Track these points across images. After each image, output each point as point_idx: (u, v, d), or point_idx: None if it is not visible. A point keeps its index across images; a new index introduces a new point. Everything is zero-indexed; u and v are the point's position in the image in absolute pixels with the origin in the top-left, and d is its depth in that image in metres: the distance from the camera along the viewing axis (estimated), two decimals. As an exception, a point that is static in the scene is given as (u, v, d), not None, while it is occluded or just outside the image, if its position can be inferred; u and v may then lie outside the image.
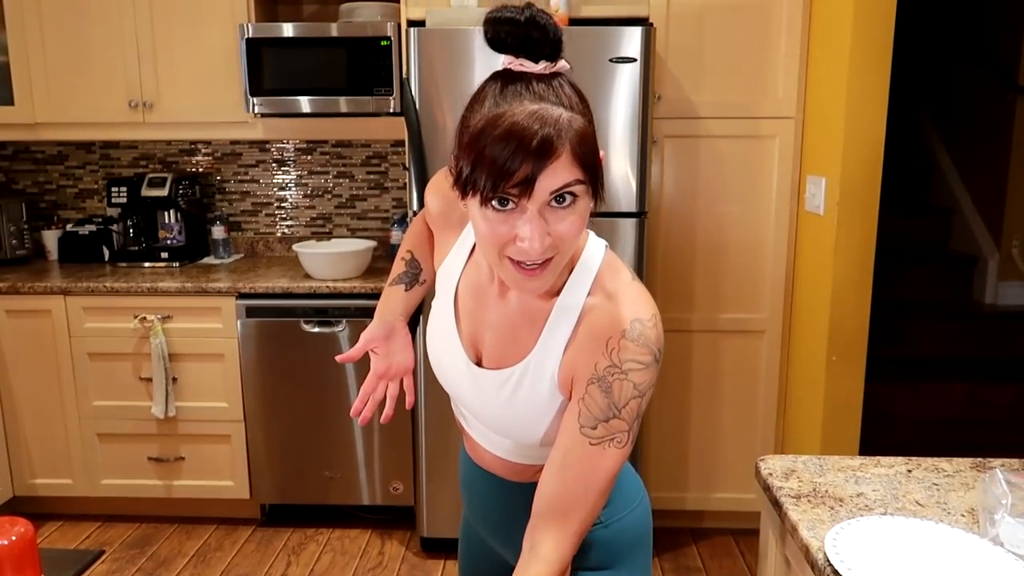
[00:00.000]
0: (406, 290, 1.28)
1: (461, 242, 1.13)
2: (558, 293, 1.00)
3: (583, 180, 0.88)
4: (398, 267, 1.29)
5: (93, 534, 2.86)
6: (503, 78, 0.90)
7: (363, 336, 1.23)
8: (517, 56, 0.90)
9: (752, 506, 2.78)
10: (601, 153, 0.93)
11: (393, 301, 1.27)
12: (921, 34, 4.03)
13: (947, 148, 4.04)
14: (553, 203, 0.88)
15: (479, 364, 1.08)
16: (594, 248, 1.03)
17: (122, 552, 2.73)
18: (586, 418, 0.94)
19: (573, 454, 0.94)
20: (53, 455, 2.88)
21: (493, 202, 0.87)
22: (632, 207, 2.47)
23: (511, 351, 1.04)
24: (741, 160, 2.64)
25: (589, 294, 0.99)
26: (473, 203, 0.90)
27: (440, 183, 1.19)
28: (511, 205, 0.87)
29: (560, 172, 0.86)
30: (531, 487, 1.01)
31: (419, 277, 1.29)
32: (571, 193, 0.88)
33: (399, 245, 1.38)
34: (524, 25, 0.88)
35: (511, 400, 1.03)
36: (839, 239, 2.39)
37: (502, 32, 0.89)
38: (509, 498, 1.15)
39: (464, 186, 0.89)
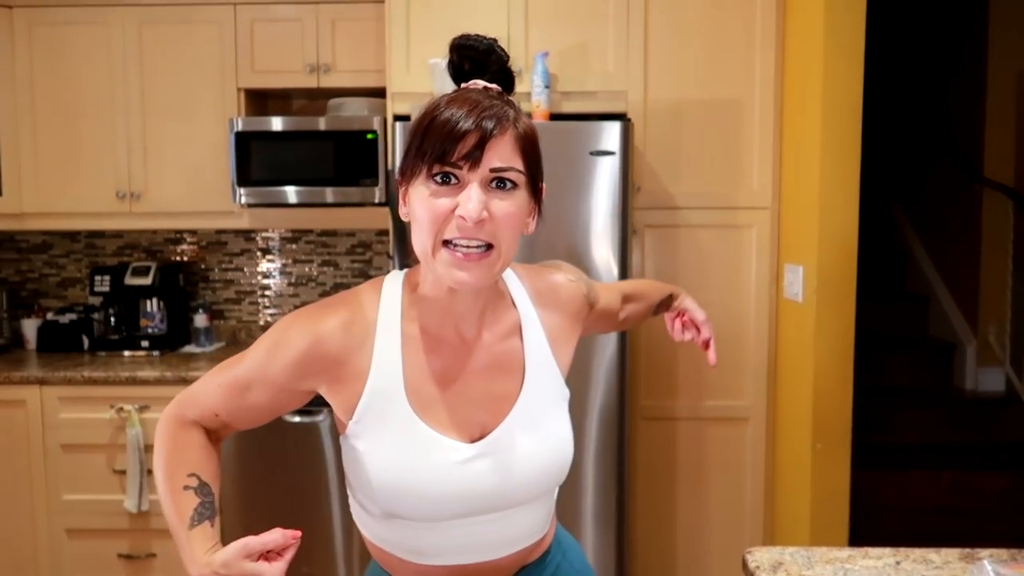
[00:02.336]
0: (211, 526, 0.98)
1: (381, 345, 0.98)
2: (512, 304, 1.07)
3: (524, 172, 0.94)
4: (188, 502, 0.97)
5: (56, 637, 2.72)
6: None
7: (206, 573, 0.92)
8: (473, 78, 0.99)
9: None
10: (543, 185, 1.00)
11: (204, 540, 0.95)
12: (890, 129, 4.20)
13: (920, 237, 4.15)
14: (494, 185, 0.92)
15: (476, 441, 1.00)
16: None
17: (85, 657, 2.60)
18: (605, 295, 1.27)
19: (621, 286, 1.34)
20: (19, 553, 2.76)
21: (436, 177, 0.91)
22: (614, 295, 2.50)
23: (502, 395, 1.02)
24: (720, 249, 2.69)
25: (523, 284, 1.09)
26: (415, 187, 0.93)
27: (317, 334, 0.98)
28: (454, 181, 0.91)
29: (506, 151, 0.92)
30: None
31: (214, 505, 1.00)
32: (512, 181, 0.93)
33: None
34: (483, 52, 0.98)
35: (533, 434, 1.01)
36: (819, 326, 2.41)
37: (463, 57, 0.98)
38: None
39: (410, 165, 0.93)
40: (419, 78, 2.63)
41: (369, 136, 2.79)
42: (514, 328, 1.05)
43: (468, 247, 0.91)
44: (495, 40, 1.00)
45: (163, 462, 1.01)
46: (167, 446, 1.02)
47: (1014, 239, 3.57)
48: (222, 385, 1.02)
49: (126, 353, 3.03)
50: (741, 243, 2.69)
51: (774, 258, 2.68)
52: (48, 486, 2.74)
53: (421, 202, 0.93)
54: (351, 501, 1.08)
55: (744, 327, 2.70)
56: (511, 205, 0.93)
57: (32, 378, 2.72)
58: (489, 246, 0.92)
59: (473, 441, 0.99)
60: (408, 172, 0.95)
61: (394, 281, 1.04)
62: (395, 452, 0.96)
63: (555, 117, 2.61)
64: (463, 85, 0.99)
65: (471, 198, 0.90)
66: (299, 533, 0.93)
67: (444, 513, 0.98)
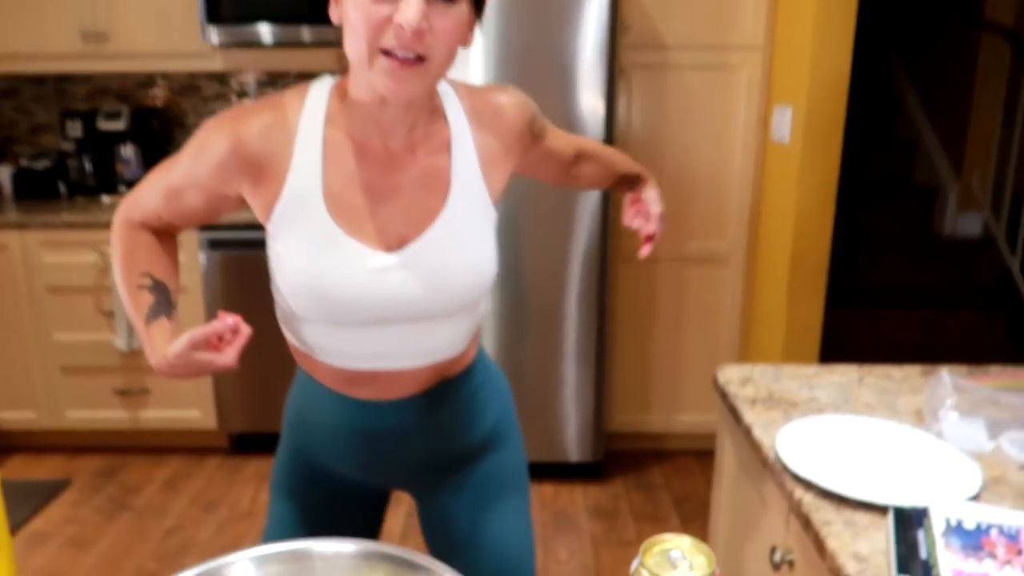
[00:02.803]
0: (169, 320, 1.00)
1: (300, 148, 0.97)
2: (445, 122, 1.03)
3: None
4: (143, 300, 1.01)
5: (59, 466, 2.86)
6: None
7: (166, 361, 0.94)
8: None
9: (714, 428, 2.86)
10: None
11: (161, 336, 0.97)
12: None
13: (913, 84, 4.07)
14: None
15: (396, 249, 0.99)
16: None
17: (89, 481, 2.74)
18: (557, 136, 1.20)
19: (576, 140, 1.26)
20: (15, 389, 2.85)
21: None
22: (599, 136, 2.46)
23: (426, 208, 1.00)
24: (709, 90, 2.63)
25: (460, 101, 1.05)
26: None
27: (236, 136, 0.97)
28: None
29: None
30: (444, 394, 1.08)
31: (172, 299, 1.03)
32: None
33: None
34: None
35: (452, 251, 1.00)
36: (804, 167, 2.41)
37: None
38: (428, 425, 1.09)
39: None
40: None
41: (344, -33, 2.64)
42: (443, 144, 1.02)
43: (405, 56, 0.87)
44: None
45: (118, 265, 1.05)
46: (120, 250, 1.05)
47: (1007, 82, 3.50)
48: (159, 189, 1.04)
49: (104, 198, 2.99)
50: (731, 85, 2.63)
51: (763, 101, 2.63)
52: (38, 326, 2.78)
53: (356, 6, 0.87)
54: (276, 305, 1.08)
55: (729, 170, 2.69)
56: (452, 16, 0.88)
57: (11, 222, 2.70)
58: (422, 59, 0.88)
59: (390, 251, 0.98)
60: None
61: (321, 86, 1.00)
62: (309, 255, 0.96)
63: (540, -55, 2.46)
64: None
65: (411, 5, 0.85)
66: (238, 318, 0.94)
67: (356, 318, 0.98)
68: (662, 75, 2.63)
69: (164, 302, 1.01)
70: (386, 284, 0.97)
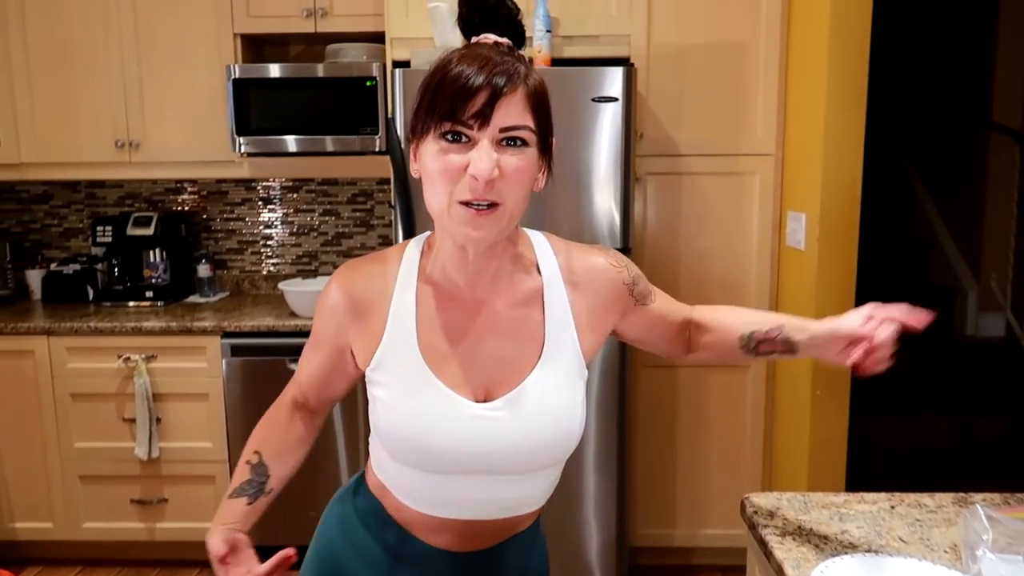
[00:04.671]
0: (248, 503, 1.07)
1: (398, 298, 1.03)
2: (537, 271, 1.06)
3: (535, 130, 0.94)
4: (241, 474, 1.10)
5: (73, 579, 2.81)
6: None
7: (210, 551, 1.04)
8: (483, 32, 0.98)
9: (741, 542, 2.76)
10: (553, 139, 1.01)
11: (231, 514, 1.06)
12: (899, 79, 4.12)
13: (925, 185, 4.12)
14: (504, 143, 0.92)
15: (484, 400, 1.01)
16: (530, 231, 1.12)
17: (103, 597, 2.69)
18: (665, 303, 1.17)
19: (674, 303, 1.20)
20: (34, 498, 2.83)
21: (447, 135, 0.91)
22: (616, 242, 2.49)
23: (519, 359, 1.02)
24: (722, 196, 2.68)
25: (556, 257, 1.08)
26: (426, 145, 0.94)
27: (343, 284, 1.06)
28: (464, 140, 0.91)
29: (516, 109, 0.92)
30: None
31: (265, 486, 1.09)
32: (522, 139, 0.93)
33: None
34: (493, 5, 0.98)
35: (543, 409, 1.00)
36: (820, 274, 2.41)
37: (472, 11, 0.98)
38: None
39: (421, 122, 0.94)
40: (418, 23, 2.58)
41: (368, 83, 2.75)
42: (534, 295, 1.04)
43: (481, 205, 0.92)
44: None
45: (250, 439, 1.14)
46: (261, 422, 1.15)
47: (1019, 184, 3.54)
48: (302, 360, 1.14)
49: (131, 303, 3.05)
50: (744, 190, 2.67)
51: (777, 205, 2.67)
52: (59, 434, 2.79)
53: (433, 159, 0.93)
54: (371, 443, 1.12)
55: (746, 275, 2.70)
56: (521, 161, 0.93)
57: (39, 328, 2.74)
58: (494, 204, 0.92)
59: (479, 400, 1.00)
60: (419, 129, 0.95)
61: (416, 243, 1.08)
62: (406, 402, 1.00)
63: (557, 62, 2.57)
64: (473, 39, 0.99)
65: (482, 157, 0.90)
66: (292, 551, 1.03)
67: (444, 466, 1.00)
68: (676, 181, 2.69)
69: (256, 484, 1.09)
70: (476, 434, 0.99)
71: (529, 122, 0.94)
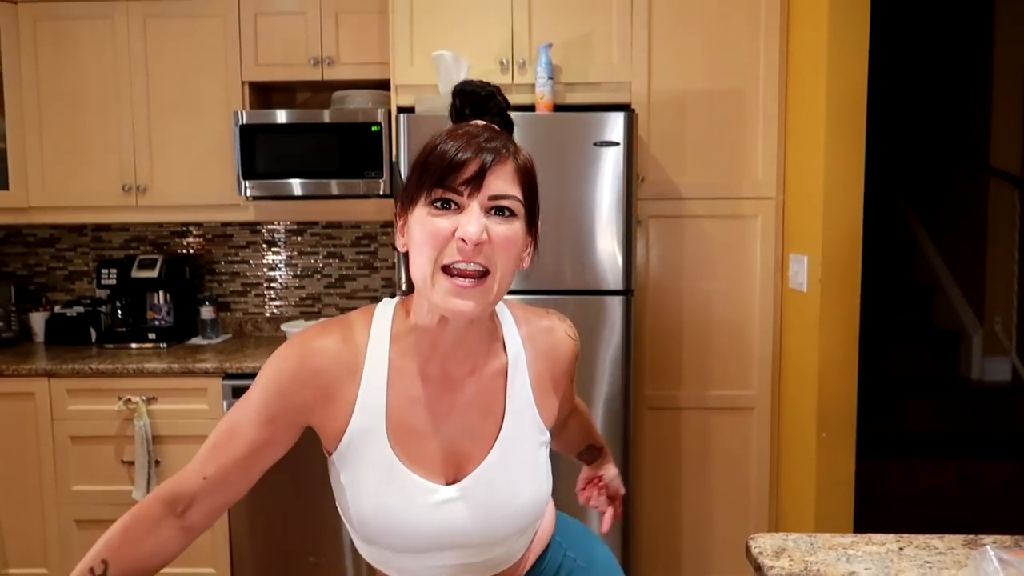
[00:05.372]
0: None
1: (368, 375, 0.98)
2: (503, 348, 1.05)
3: (523, 202, 0.95)
4: None
5: (66, 627, 2.75)
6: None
7: None
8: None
9: (748, 589, 2.72)
10: (539, 223, 1.01)
11: None
12: (896, 122, 4.18)
13: (926, 228, 4.14)
14: (493, 212, 0.92)
15: (453, 482, 1.01)
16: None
17: (96, 646, 2.62)
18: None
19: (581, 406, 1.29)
20: (29, 543, 2.79)
21: (437, 203, 0.92)
22: (619, 285, 2.50)
23: (481, 437, 1.02)
24: (724, 239, 2.69)
25: (519, 329, 1.07)
26: (414, 214, 0.94)
27: (307, 353, 0.99)
28: (454, 207, 0.92)
29: (506, 179, 0.93)
30: None
31: None
32: (511, 210, 0.94)
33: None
34: (484, 98, 0.99)
35: (507, 483, 1.01)
36: (824, 315, 2.41)
37: (465, 103, 1.00)
38: None
39: (411, 194, 0.94)
40: (423, 70, 2.63)
41: (374, 128, 2.80)
42: (501, 370, 1.05)
43: (466, 269, 0.91)
44: (497, 88, 1.02)
45: (106, 534, 0.99)
46: (121, 521, 0.99)
47: (1020, 228, 3.56)
48: (210, 443, 1.00)
49: (133, 345, 3.05)
50: (745, 233, 2.69)
51: (778, 248, 2.68)
52: (57, 477, 2.76)
53: (420, 225, 0.93)
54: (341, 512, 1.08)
55: (749, 317, 2.70)
56: (510, 231, 0.94)
57: (40, 370, 2.74)
58: (486, 272, 0.92)
59: (449, 481, 1.00)
60: (408, 201, 0.96)
61: (386, 309, 1.04)
62: (373, 489, 0.98)
63: (559, 108, 2.61)
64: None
65: (471, 220, 0.90)
66: None
67: (420, 547, 1.00)
68: (678, 224, 2.71)
69: None
70: (446, 517, 0.98)
71: (518, 193, 0.95)
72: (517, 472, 1.02)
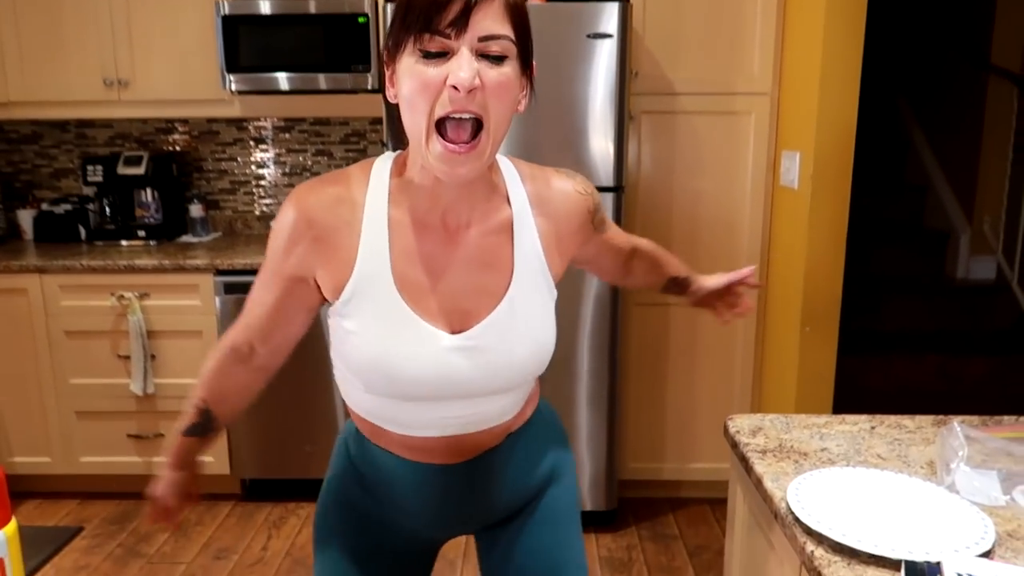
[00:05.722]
0: (199, 442, 1.19)
1: (368, 227, 0.99)
2: (507, 201, 1.04)
3: (515, 42, 0.91)
4: (189, 416, 1.16)
5: (72, 511, 2.86)
6: None
7: (157, 489, 1.20)
8: None
9: (727, 475, 2.83)
10: (535, 63, 0.98)
11: (184, 450, 1.18)
12: (897, 23, 4.07)
13: (922, 128, 4.10)
14: (484, 58, 0.89)
15: (459, 331, 1.00)
16: (499, 156, 1.09)
17: (101, 528, 2.74)
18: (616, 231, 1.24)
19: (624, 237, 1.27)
20: (31, 433, 2.87)
21: (424, 50, 0.88)
22: (610, 182, 2.49)
23: (489, 289, 1.02)
24: (717, 136, 2.67)
25: (525, 185, 1.06)
26: (402, 64, 0.90)
27: (303, 207, 0.98)
28: (442, 54, 0.88)
29: (495, 17, 0.88)
30: (494, 459, 1.11)
31: (211, 426, 1.17)
32: (502, 52, 0.90)
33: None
34: None
35: (516, 333, 1.01)
36: (813, 212, 2.42)
37: None
38: (483, 484, 1.12)
39: (395, 39, 0.90)
40: (410, -45, 2.52)
41: (360, 19, 2.71)
42: (505, 225, 1.03)
43: (460, 119, 0.88)
44: None
45: (200, 382, 1.14)
46: (210, 369, 1.13)
47: (1016, 127, 3.52)
48: (248, 301, 1.08)
49: (123, 243, 3.04)
50: (739, 130, 2.66)
51: (772, 145, 2.66)
52: (55, 371, 2.81)
53: (409, 75, 0.89)
54: (335, 371, 1.10)
55: (739, 215, 2.71)
56: (502, 76, 0.90)
57: (31, 267, 2.74)
58: (479, 122, 0.89)
59: (454, 331, 1.00)
60: (393, 48, 0.91)
61: (383, 163, 1.02)
62: (380, 335, 0.98)
63: (551, -3, 2.52)
64: None
65: (462, 65, 0.86)
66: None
67: (422, 394, 1.00)
68: (671, 120, 2.67)
69: (201, 426, 1.15)
70: (452, 364, 0.99)
71: (508, 32, 0.90)
72: (524, 326, 1.02)
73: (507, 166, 1.07)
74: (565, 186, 1.09)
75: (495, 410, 1.07)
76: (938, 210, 3.87)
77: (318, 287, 1.01)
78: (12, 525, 0.67)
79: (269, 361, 1.11)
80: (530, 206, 1.05)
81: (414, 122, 0.91)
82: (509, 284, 1.02)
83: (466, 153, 0.90)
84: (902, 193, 3.99)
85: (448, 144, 0.89)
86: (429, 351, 0.98)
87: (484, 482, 1.12)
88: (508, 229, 1.03)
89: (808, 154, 2.42)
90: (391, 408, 1.03)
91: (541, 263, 1.05)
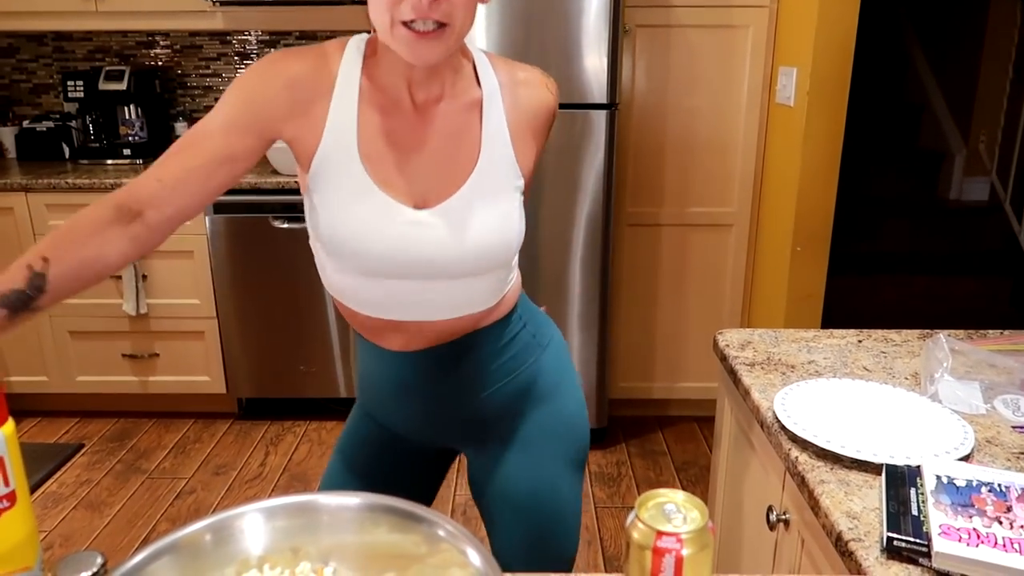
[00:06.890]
0: (7, 317, 0.88)
1: (338, 99, 0.98)
2: (477, 83, 1.05)
3: None
4: (13, 277, 0.89)
5: (72, 430, 2.90)
6: None
7: None
8: None
9: (716, 394, 2.89)
10: None
11: None
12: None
13: (922, 46, 4.02)
14: None
15: (422, 208, 1.01)
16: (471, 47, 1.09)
17: (101, 445, 2.79)
18: None
19: None
20: (26, 353, 2.88)
21: None
22: (603, 98, 2.44)
23: (455, 167, 1.02)
24: (713, 51, 2.61)
25: (496, 72, 1.06)
26: None
27: (283, 66, 0.98)
28: None
29: None
30: (474, 342, 1.10)
31: (34, 303, 0.90)
32: None
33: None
34: None
35: (480, 216, 1.02)
36: (808, 130, 2.39)
37: None
38: (456, 368, 1.12)
39: None
40: None
41: (345, -75, 2.60)
42: (474, 104, 1.04)
43: (424, 28, 0.89)
44: None
45: (50, 232, 0.93)
46: (70, 220, 0.94)
47: (1017, 43, 3.46)
48: (174, 147, 0.98)
49: (108, 162, 2.99)
50: (736, 44, 2.60)
51: (768, 61, 2.60)
52: (46, 291, 2.80)
53: None
54: (316, 258, 1.10)
55: (733, 133, 2.67)
56: None
57: (16, 185, 2.70)
58: (443, 25, 0.91)
59: (418, 207, 1.01)
60: None
61: (358, 42, 1.03)
62: (343, 207, 0.99)
63: (544, -98, 2.42)
64: None
65: None
66: None
67: (384, 271, 1.01)
68: (666, 35, 2.61)
69: (25, 298, 0.89)
70: (415, 240, 1.00)
71: None
72: (489, 208, 1.03)
73: (480, 55, 1.08)
74: (538, 80, 1.10)
75: (459, 298, 1.06)
76: (934, 129, 3.83)
77: (262, 150, 0.99)
78: (10, 424, 0.67)
79: (148, 236, 0.96)
80: (500, 91, 1.06)
81: (379, 18, 0.92)
82: (475, 166, 1.03)
83: (432, 39, 0.91)
84: (898, 112, 3.94)
85: (412, 32, 0.91)
86: (392, 225, 0.99)
87: (444, 376, 1.11)
88: (477, 108, 1.04)
89: (805, 70, 2.37)
90: (355, 285, 1.05)
91: (508, 148, 1.05)
